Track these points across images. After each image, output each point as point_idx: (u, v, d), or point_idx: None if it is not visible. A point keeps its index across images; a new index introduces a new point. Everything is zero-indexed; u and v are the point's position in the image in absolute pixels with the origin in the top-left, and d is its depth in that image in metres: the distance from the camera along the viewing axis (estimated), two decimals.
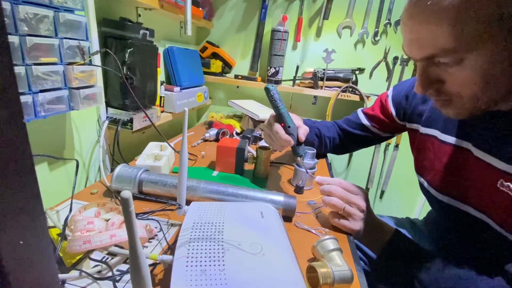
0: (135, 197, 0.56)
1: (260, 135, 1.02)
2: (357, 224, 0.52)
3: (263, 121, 1.06)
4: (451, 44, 0.36)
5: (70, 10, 0.53)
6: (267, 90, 0.60)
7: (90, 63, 0.60)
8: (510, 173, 0.41)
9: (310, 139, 0.79)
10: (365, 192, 0.55)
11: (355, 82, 1.27)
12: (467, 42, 0.35)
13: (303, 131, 0.62)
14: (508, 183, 0.41)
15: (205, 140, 0.98)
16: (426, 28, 0.37)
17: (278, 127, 0.60)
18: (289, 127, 0.61)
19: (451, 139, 0.52)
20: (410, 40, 0.41)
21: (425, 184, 0.59)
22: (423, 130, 0.60)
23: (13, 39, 0.44)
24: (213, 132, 0.99)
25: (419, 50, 0.40)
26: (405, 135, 0.70)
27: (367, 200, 0.54)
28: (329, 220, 0.54)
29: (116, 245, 0.40)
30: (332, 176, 0.81)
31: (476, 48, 0.35)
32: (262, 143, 0.88)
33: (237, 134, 1.07)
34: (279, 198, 0.55)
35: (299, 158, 0.64)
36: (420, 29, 0.38)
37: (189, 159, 0.79)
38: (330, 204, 0.53)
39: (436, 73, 0.41)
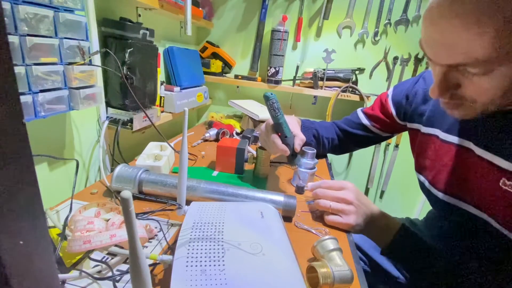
0: (135, 197, 0.56)
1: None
2: (350, 218, 0.52)
3: (263, 121, 1.06)
4: (488, 56, 0.32)
5: (70, 10, 0.53)
6: (266, 98, 0.57)
7: (90, 63, 0.60)
8: None
9: (307, 140, 0.79)
10: (350, 186, 0.55)
11: (355, 82, 1.27)
12: (505, 55, 0.32)
13: (299, 141, 0.62)
14: (511, 182, 0.41)
15: (205, 140, 0.98)
16: (462, 35, 0.33)
17: (275, 137, 0.60)
18: (286, 137, 0.60)
19: (452, 138, 0.52)
20: (438, 43, 0.36)
21: (426, 183, 0.59)
22: (425, 129, 0.60)
23: (13, 39, 0.44)
24: (213, 132, 0.99)
25: (448, 56, 0.36)
26: (405, 135, 0.70)
27: (354, 192, 0.54)
28: (335, 225, 0.55)
29: (116, 245, 0.40)
30: (332, 176, 0.82)
31: (510, 61, 0.32)
32: None
33: (237, 134, 1.07)
34: (279, 198, 0.55)
35: (293, 167, 0.64)
36: (455, 34, 0.33)
37: (189, 159, 0.79)
38: (318, 206, 0.56)
39: (456, 78, 0.38)
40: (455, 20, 0.33)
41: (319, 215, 0.57)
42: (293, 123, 0.67)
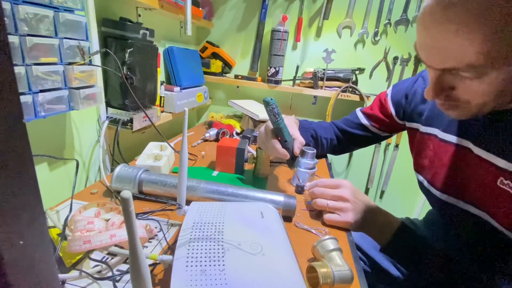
0: (135, 197, 0.56)
1: None
2: (347, 216, 0.53)
3: (263, 121, 1.06)
4: (478, 61, 0.33)
5: (70, 10, 0.53)
6: (266, 103, 0.57)
7: (90, 63, 0.60)
8: (510, 171, 0.41)
9: (305, 141, 0.79)
10: (346, 184, 0.56)
11: (355, 82, 1.27)
12: (495, 60, 0.33)
13: (298, 145, 0.62)
14: (508, 181, 0.41)
15: (205, 140, 0.98)
16: (454, 41, 0.34)
17: (275, 142, 0.60)
18: (285, 141, 0.60)
19: (451, 138, 0.53)
20: (430, 47, 0.37)
21: (425, 182, 0.59)
22: (423, 129, 0.60)
23: (13, 39, 0.44)
24: (213, 132, 0.99)
25: (440, 60, 0.37)
26: (405, 135, 0.70)
27: (351, 189, 0.55)
28: (334, 224, 0.55)
29: (116, 245, 0.40)
30: (332, 176, 0.81)
31: (501, 65, 0.33)
32: None
33: (237, 134, 1.07)
34: (279, 198, 0.55)
35: (293, 170, 0.65)
36: (446, 39, 0.34)
37: (189, 159, 0.79)
38: (316, 206, 0.56)
39: (450, 80, 0.39)
40: (446, 26, 0.33)
41: (317, 214, 0.57)
42: (292, 125, 0.67)
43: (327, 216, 0.54)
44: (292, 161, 0.63)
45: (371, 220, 0.53)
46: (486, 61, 0.33)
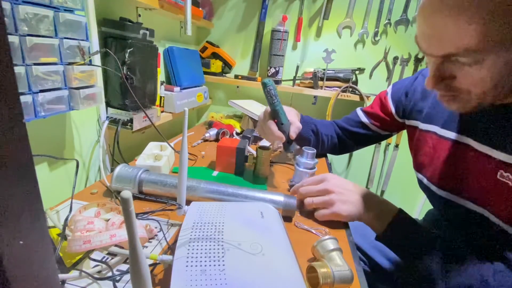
0: (135, 197, 0.56)
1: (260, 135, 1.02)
2: (334, 208, 0.53)
3: None
4: (476, 45, 0.34)
5: (70, 10, 0.53)
6: (264, 84, 0.59)
7: (90, 63, 0.60)
8: (510, 163, 0.41)
9: (306, 135, 0.79)
10: (329, 176, 0.56)
11: (355, 82, 1.27)
12: (492, 44, 0.33)
13: (294, 129, 0.63)
14: (508, 174, 0.41)
15: (205, 140, 0.98)
16: (452, 26, 0.35)
17: (271, 123, 0.61)
18: (282, 124, 0.61)
19: (450, 134, 0.53)
20: (430, 36, 0.38)
21: (425, 180, 0.59)
22: (423, 126, 0.60)
23: (13, 39, 0.44)
24: (213, 132, 0.99)
25: (439, 47, 0.38)
26: (405, 135, 0.70)
27: (334, 181, 0.55)
28: (327, 219, 0.55)
29: (116, 245, 0.40)
30: None
31: (499, 50, 0.34)
32: (262, 143, 0.88)
33: (237, 134, 1.07)
34: (279, 198, 0.55)
35: (289, 154, 0.65)
36: (445, 25, 0.35)
37: (189, 159, 0.79)
38: (305, 206, 0.57)
39: (450, 69, 0.40)
40: (445, 12, 0.35)
41: (308, 213, 0.57)
42: (290, 112, 0.68)
43: (317, 213, 0.54)
44: (288, 145, 0.64)
45: (366, 207, 0.52)
46: (483, 45, 0.34)
